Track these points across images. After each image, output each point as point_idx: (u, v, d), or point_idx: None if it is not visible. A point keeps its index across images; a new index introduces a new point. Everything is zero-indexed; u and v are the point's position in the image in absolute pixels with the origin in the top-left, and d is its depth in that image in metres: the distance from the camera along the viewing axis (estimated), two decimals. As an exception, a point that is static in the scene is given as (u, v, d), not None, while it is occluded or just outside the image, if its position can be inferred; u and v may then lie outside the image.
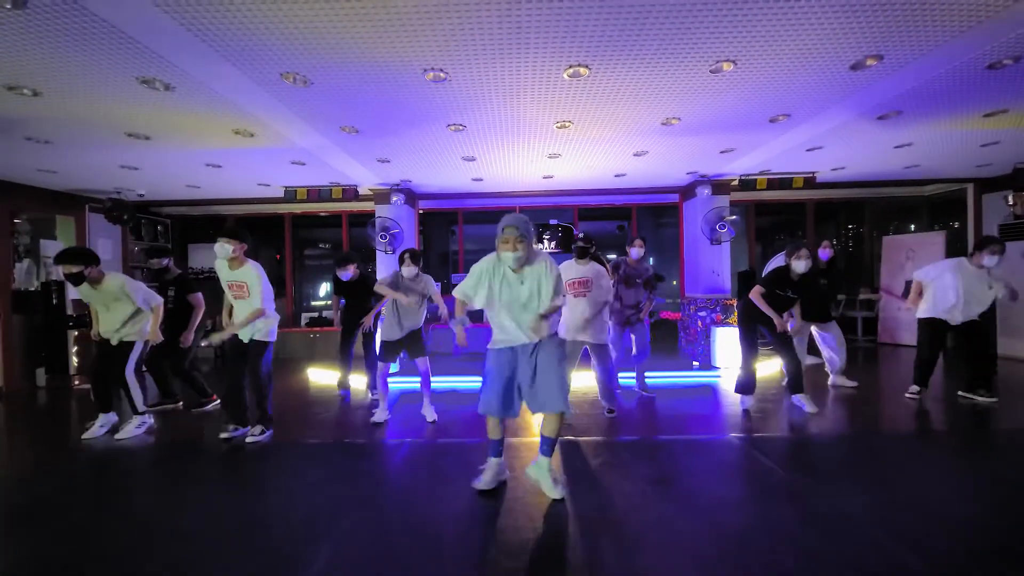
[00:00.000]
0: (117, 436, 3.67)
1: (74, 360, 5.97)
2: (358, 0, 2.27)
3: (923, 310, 4.40)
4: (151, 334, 3.76)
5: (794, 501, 2.48)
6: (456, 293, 2.66)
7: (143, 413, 3.79)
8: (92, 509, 2.57)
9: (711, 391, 5.05)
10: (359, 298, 4.70)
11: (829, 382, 5.02)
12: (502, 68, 3.01)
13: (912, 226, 8.45)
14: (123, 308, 3.65)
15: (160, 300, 3.82)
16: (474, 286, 2.57)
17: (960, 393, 4.41)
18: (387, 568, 1.94)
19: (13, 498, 2.75)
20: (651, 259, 4.56)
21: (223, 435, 3.55)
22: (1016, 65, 3.13)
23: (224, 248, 3.40)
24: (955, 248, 7.31)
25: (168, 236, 8.02)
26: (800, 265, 3.95)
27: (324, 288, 9.52)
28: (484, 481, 2.63)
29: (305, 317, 8.49)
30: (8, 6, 1.78)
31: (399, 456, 3.24)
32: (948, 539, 2.07)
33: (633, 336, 4.57)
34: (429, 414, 3.98)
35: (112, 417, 3.82)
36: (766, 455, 3.12)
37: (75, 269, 3.44)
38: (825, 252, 4.98)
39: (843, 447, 3.35)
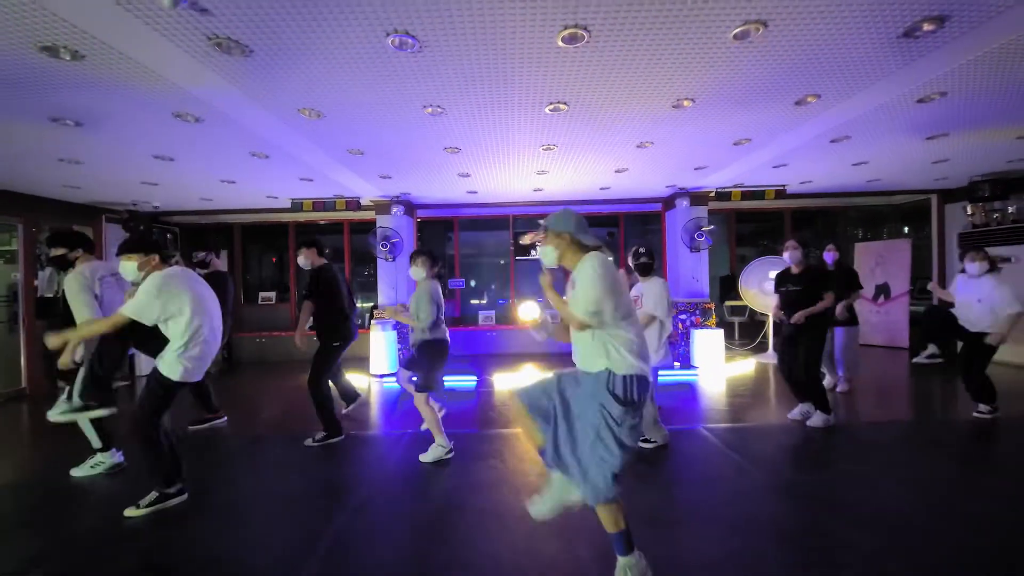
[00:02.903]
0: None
1: (93, 362, 6.34)
2: (366, 49, 2.71)
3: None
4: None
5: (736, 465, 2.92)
6: None
7: None
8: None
9: (689, 387, 5.50)
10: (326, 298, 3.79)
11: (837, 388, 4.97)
12: (491, 103, 3.45)
13: (884, 233, 8.93)
14: None
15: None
16: None
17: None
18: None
19: (48, 484, 3.13)
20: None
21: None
22: (943, 99, 3.59)
23: (126, 266, 2.76)
24: (920, 255, 7.81)
25: (176, 244, 8.41)
26: (786, 256, 3.97)
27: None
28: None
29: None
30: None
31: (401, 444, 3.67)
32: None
33: None
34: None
35: None
36: (723, 442, 3.56)
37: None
38: (830, 255, 4.99)
39: (780, 434, 3.79)
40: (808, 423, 3.89)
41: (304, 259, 3.84)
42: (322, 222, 8.78)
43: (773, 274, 5.41)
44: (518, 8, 2.30)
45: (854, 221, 9.14)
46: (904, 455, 3.31)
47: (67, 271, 3.22)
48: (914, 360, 4.28)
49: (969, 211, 6.85)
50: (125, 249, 2.78)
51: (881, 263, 8.09)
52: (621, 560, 1.87)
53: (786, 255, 4.02)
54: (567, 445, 1.86)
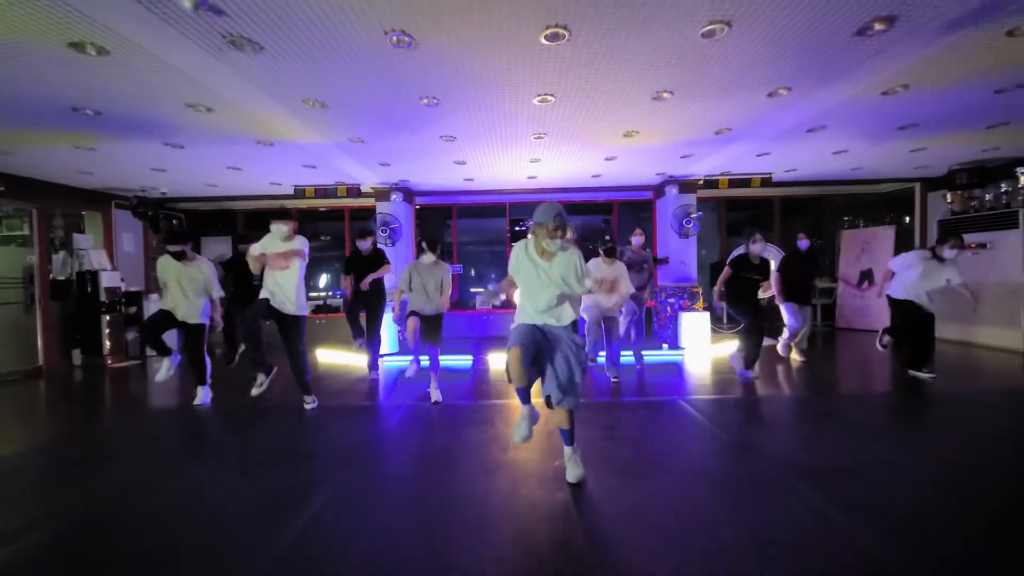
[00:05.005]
0: (195, 402, 4.29)
1: (107, 343, 6.65)
2: (367, 45, 2.95)
3: (893, 291, 4.83)
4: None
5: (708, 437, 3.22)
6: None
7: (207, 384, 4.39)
8: (146, 457, 3.28)
9: (676, 367, 5.78)
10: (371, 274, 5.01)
11: (780, 348, 5.64)
12: (482, 95, 3.70)
13: (871, 220, 9.16)
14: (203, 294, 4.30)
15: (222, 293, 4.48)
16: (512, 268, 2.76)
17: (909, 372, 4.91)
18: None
19: (58, 452, 3.39)
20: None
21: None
22: (907, 91, 3.82)
23: (280, 229, 3.82)
24: (903, 241, 8.06)
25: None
26: (755, 248, 4.79)
27: (324, 279, 10.15)
28: (520, 435, 2.62)
29: (310, 304, 9.17)
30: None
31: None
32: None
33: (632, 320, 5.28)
34: (434, 395, 4.29)
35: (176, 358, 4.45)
36: (700, 412, 3.86)
37: (178, 248, 4.13)
38: (803, 242, 5.37)
39: (764, 407, 4.09)
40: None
41: (369, 245, 5.18)
42: (322, 208, 9.04)
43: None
44: (504, 10, 2.54)
45: (843, 209, 9.36)
46: (857, 420, 3.62)
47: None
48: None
49: (949, 199, 7.09)
50: (279, 217, 3.84)
51: (867, 250, 8.36)
52: (567, 449, 2.66)
53: (757, 247, 4.78)
54: (561, 378, 2.55)
